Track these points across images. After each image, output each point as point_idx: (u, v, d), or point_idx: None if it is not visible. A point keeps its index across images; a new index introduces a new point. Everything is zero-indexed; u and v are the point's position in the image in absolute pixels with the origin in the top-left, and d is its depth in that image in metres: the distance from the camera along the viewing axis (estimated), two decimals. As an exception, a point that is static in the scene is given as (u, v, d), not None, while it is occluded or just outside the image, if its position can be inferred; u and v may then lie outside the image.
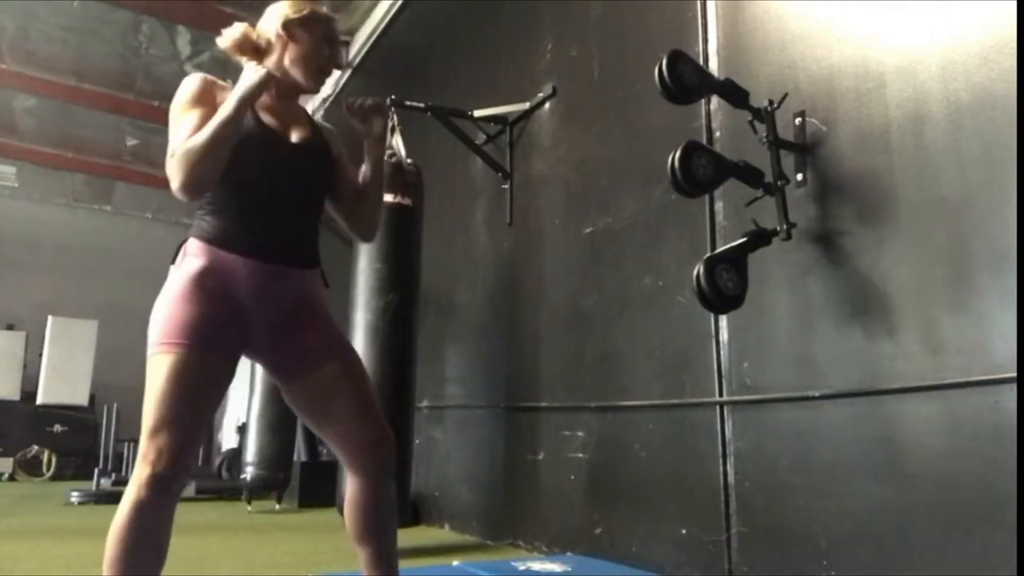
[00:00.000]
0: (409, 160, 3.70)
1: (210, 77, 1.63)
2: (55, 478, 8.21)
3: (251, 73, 1.53)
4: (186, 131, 1.47)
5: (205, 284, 1.48)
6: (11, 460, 8.26)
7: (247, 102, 1.50)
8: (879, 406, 1.91)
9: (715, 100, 2.54)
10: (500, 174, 3.91)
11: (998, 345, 1.66)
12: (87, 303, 10.16)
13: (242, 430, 6.32)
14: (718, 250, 2.12)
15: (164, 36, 6.76)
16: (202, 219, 1.56)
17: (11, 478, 8.17)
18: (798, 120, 2.22)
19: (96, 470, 6.32)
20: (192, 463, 1.44)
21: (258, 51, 1.67)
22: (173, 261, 1.54)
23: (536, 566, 2.62)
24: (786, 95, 2.20)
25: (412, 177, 3.69)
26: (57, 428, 8.80)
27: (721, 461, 2.36)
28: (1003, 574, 1.58)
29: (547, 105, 3.63)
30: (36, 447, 8.43)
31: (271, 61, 1.66)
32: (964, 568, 1.68)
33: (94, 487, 5.95)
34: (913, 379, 1.83)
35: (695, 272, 1.93)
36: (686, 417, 2.54)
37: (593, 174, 3.22)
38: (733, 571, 2.27)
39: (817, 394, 2.07)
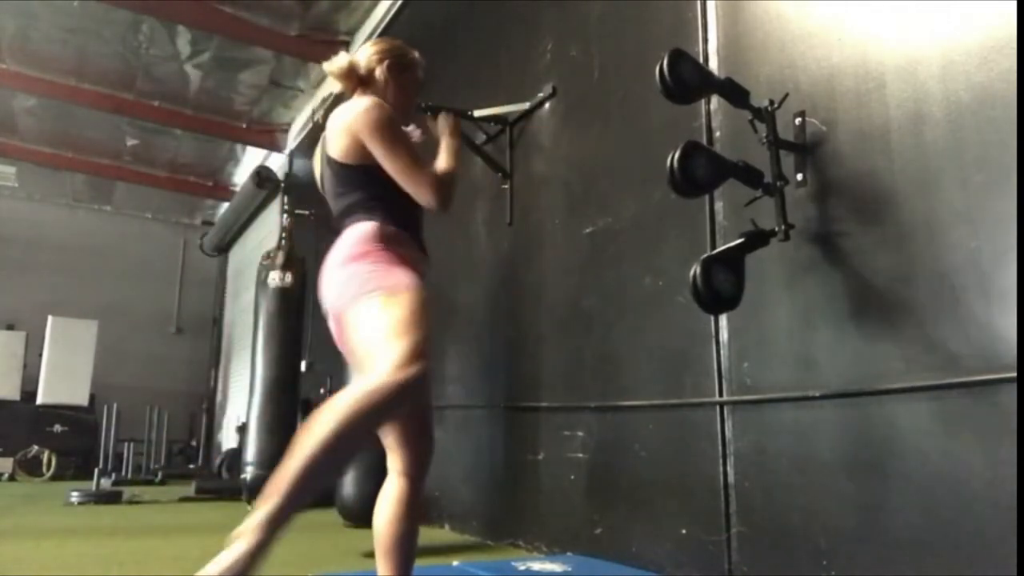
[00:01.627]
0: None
1: (389, 109, 1.83)
2: (55, 478, 8.20)
3: (451, 121, 2.08)
4: (413, 154, 1.78)
5: (408, 260, 1.77)
6: (11, 460, 8.26)
7: (460, 140, 2.02)
8: (879, 406, 1.91)
9: (715, 100, 2.54)
10: (500, 174, 3.91)
11: (998, 345, 1.66)
12: (87, 303, 10.16)
13: (242, 430, 6.32)
14: (715, 251, 2.12)
15: (164, 36, 6.76)
16: (384, 212, 1.79)
17: (11, 478, 8.17)
18: (798, 120, 2.22)
19: (96, 470, 6.32)
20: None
21: (360, 82, 1.92)
22: (379, 239, 1.74)
23: (536, 566, 2.62)
24: (786, 95, 2.20)
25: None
26: (57, 428, 8.81)
27: (721, 461, 2.36)
28: (1003, 574, 1.58)
29: (547, 105, 3.63)
30: (36, 447, 8.43)
31: (371, 94, 1.89)
32: (964, 568, 1.68)
33: (94, 487, 5.95)
34: (913, 379, 1.83)
35: (691, 273, 1.93)
36: (686, 417, 2.54)
37: (593, 174, 3.22)
38: (733, 571, 2.27)
39: (817, 394, 2.07)
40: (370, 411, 1.47)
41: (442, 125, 2.06)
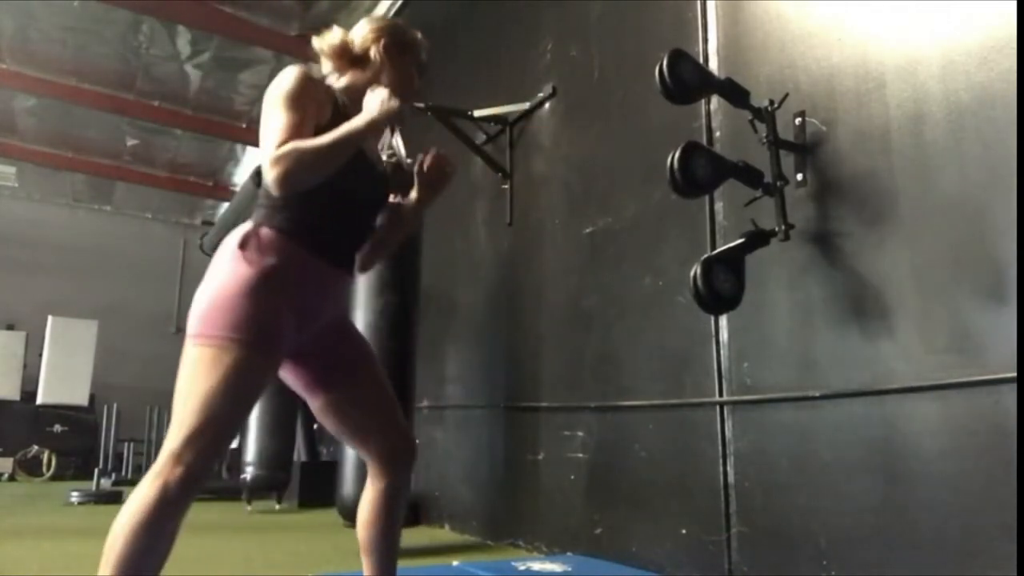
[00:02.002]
0: (409, 160, 3.69)
1: (309, 72, 1.56)
2: (55, 478, 8.21)
3: (383, 102, 1.50)
4: (290, 125, 1.41)
5: (277, 282, 1.43)
6: (11, 460, 8.26)
7: (376, 129, 1.50)
8: (879, 406, 1.91)
9: (715, 100, 2.54)
10: (500, 174, 3.91)
11: (998, 345, 1.66)
12: (87, 303, 10.16)
13: (242, 430, 6.32)
14: (715, 251, 2.12)
15: (164, 36, 6.76)
16: (277, 211, 1.50)
17: (11, 478, 8.17)
18: (798, 120, 2.22)
19: (96, 470, 6.32)
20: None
21: (353, 61, 1.68)
22: (242, 246, 1.46)
23: (536, 566, 2.62)
24: (786, 95, 2.20)
25: (412, 177, 3.68)
26: (57, 428, 8.81)
27: (721, 461, 2.36)
28: (1003, 574, 1.58)
29: (547, 105, 3.63)
30: (36, 447, 8.43)
31: (364, 76, 1.67)
32: (964, 568, 1.67)
33: (94, 487, 5.95)
34: (913, 379, 1.83)
35: (692, 273, 1.93)
36: (686, 417, 2.54)
37: (593, 174, 3.22)
38: (733, 571, 2.27)
39: (817, 394, 2.07)
40: (138, 538, 1.30)
41: (371, 96, 1.54)
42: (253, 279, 1.40)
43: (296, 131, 1.41)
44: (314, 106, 1.50)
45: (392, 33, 1.71)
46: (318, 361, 1.60)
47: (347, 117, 1.51)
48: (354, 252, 1.64)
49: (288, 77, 1.50)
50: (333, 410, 1.63)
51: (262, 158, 1.40)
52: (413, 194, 1.80)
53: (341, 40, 1.67)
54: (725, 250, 2.05)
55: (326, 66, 1.70)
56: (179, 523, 1.36)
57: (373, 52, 1.67)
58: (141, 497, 1.32)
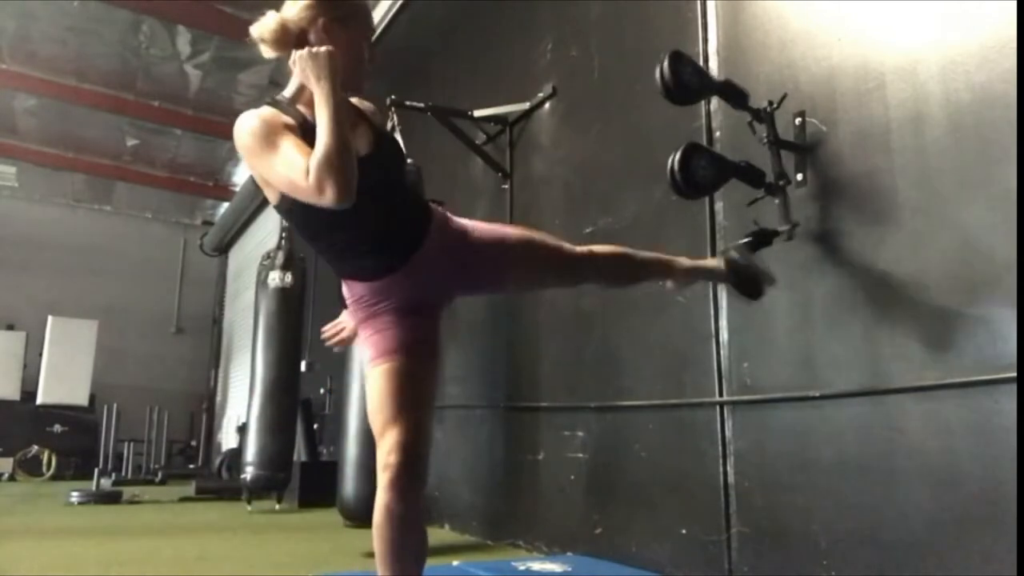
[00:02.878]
0: (409, 160, 3.70)
1: (255, 112, 1.49)
2: (55, 478, 8.21)
3: (320, 59, 1.40)
4: (295, 153, 1.37)
5: (371, 313, 1.61)
6: (11, 460, 8.26)
7: (335, 84, 1.40)
8: (879, 406, 1.91)
9: (715, 100, 2.54)
10: (500, 174, 3.91)
11: (998, 345, 1.66)
12: (87, 303, 10.16)
13: (242, 430, 6.32)
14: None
15: (164, 36, 6.76)
16: (330, 262, 1.67)
17: (11, 478, 8.17)
18: (798, 120, 2.22)
19: (96, 470, 6.32)
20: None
21: (297, 44, 1.51)
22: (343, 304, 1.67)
23: (536, 566, 2.62)
24: (786, 95, 2.20)
25: (412, 177, 3.69)
26: (57, 428, 8.81)
27: (721, 461, 2.36)
28: (1003, 574, 1.58)
29: (547, 105, 3.63)
30: (36, 447, 8.43)
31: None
32: (964, 568, 1.68)
33: (94, 487, 5.95)
34: (913, 379, 1.83)
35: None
36: (686, 417, 2.54)
37: (593, 174, 3.22)
38: (733, 571, 2.27)
39: (817, 394, 2.07)
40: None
41: (302, 67, 1.43)
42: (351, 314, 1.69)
43: (302, 150, 1.37)
44: (287, 128, 1.44)
45: (329, 6, 1.53)
46: (478, 274, 1.78)
47: (312, 121, 1.44)
48: (407, 236, 1.61)
49: (245, 126, 1.45)
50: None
51: (297, 195, 1.38)
52: None
53: (278, 23, 1.52)
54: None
55: (267, 54, 1.56)
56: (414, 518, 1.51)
57: (312, 35, 1.51)
58: (378, 503, 1.49)
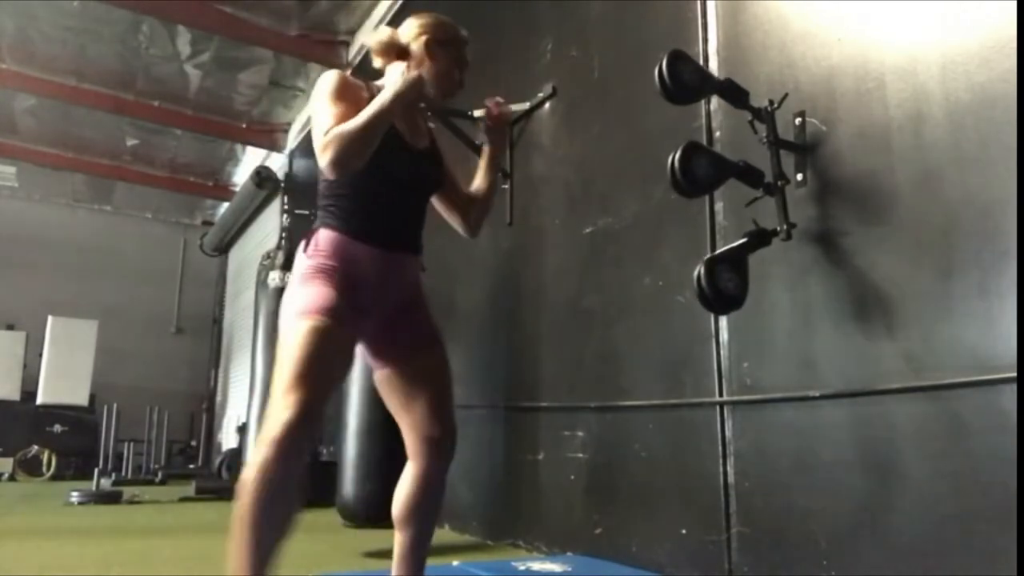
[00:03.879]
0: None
1: (347, 75, 1.72)
2: (55, 478, 8.20)
3: (406, 76, 1.65)
4: (335, 118, 1.57)
5: (334, 272, 1.63)
6: (11, 460, 8.26)
7: (402, 99, 1.62)
8: (879, 406, 1.91)
9: (715, 100, 2.54)
10: (500, 174, 3.91)
11: (998, 345, 1.66)
12: (87, 303, 10.16)
13: (242, 430, 6.32)
14: (719, 250, 2.12)
15: (164, 36, 6.76)
16: (330, 211, 1.71)
17: (11, 478, 8.17)
18: (798, 120, 2.22)
19: (96, 470, 6.32)
20: (319, 427, 1.60)
21: (400, 56, 1.81)
22: (304, 249, 1.68)
23: (536, 566, 2.62)
24: (786, 95, 2.20)
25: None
26: (57, 428, 8.80)
27: (721, 461, 2.36)
28: (1003, 574, 1.58)
29: (547, 105, 3.63)
30: (36, 447, 8.42)
31: (409, 70, 1.78)
32: (964, 568, 1.67)
33: (94, 487, 5.95)
34: (913, 379, 1.83)
35: (696, 273, 1.93)
36: (686, 417, 2.54)
37: (593, 174, 3.22)
38: (733, 571, 2.27)
39: (817, 394, 2.07)
40: (262, 491, 1.41)
41: (393, 75, 1.73)
42: (313, 271, 1.62)
43: (340, 120, 1.56)
44: (355, 100, 1.64)
45: (435, 30, 1.85)
46: (382, 336, 1.76)
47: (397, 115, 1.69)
48: (410, 233, 1.81)
49: (327, 79, 1.67)
50: (385, 384, 1.79)
51: (316, 148, 1.57)
52: (485, 148, 2.01)
53: (388, 37, 1.81)
54: (728, 249, 2.05)
55: (376, 63, 1.85)
56: (293, 477, 1.46)
57: (415, 48, 1.81)
58: (252, 463, 1.44)
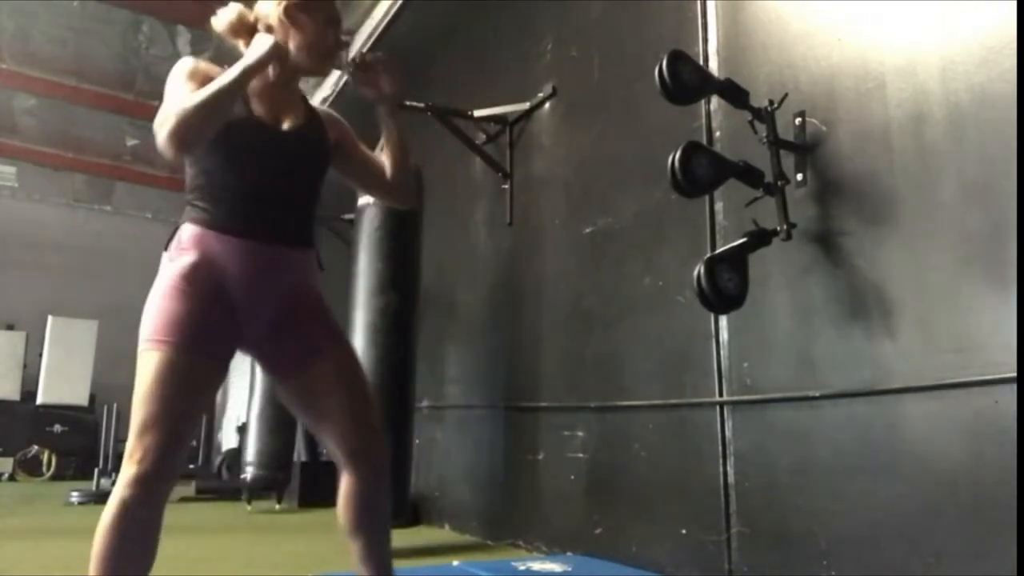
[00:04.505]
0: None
1: (205, 62, 1.56)
2: (55, 478, 8.20)
3: (260, 42, 1.49)
4: (176, 98, 1.42)
5: (198, 277, 1.44)
6: (11, 460, 8.25)
7: (253, 71, 1.46)
8: (879, 406, 1.91)
9: (715, 100, 2.54)
10: (500, 174, 3.91)
11: (998, 345, 1.66)
12: (87, 303, 10.14)
13: (242, 430, 6.31)
14: (718, 250, 2.12)
15: (164, 36, 6.76)
16: (195, 204, 1.52)
17: (11, 478, 8.17)
18: (798, 120, 2.22)
19: (96, 470, 6.32)
20: (179, 464, 1.45)
21: (254, 33, 1.59)
22: (166, 248, 1.50)
23: (536, 566, 2.62)
24: (786, 95, 2.20)
25: (412, 177, 3.68)
26: (57, 428, 8.79)
27: (721, 461, 2.36)
28: (1003, 574, 1.58)
29: (547, 105, 3.63)
30: (36, 447, 8.42)
31: None
32: (964, 568, 1.68)
33: (94, 487, 5.95)
34: (913, 379, 1.83)
35: (695, 272, 1.93)
36: (686, 417, 2.54)
37: (593, 174, 3.22)
38: (733, 571, 2.27)
39: (817, 394, 2.07)
40: (107, 539, 1.34)
41: (249, 43, 1.55)
42: (174, 280, 1.43)
43: (182, 98, 1.41)
44: (206, 82, 1.46)
45: None
46: (278, 347, 1.56)
47: (259, 96, 1.55)
48: (291, 222, 1.58)
49: (179, 65, 1.53)
50: (289, 398, 1.61)
51: (155, 127, 1.40)
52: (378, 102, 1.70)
53: (238, 15, 1.60)
54: (727, 249, 2.05)
55: (230, 43, 1.64)
56: (149, 523, 1.40)
57: (274, 19, 1.57)
58: (110, 499, 1.37)
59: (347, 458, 1.58)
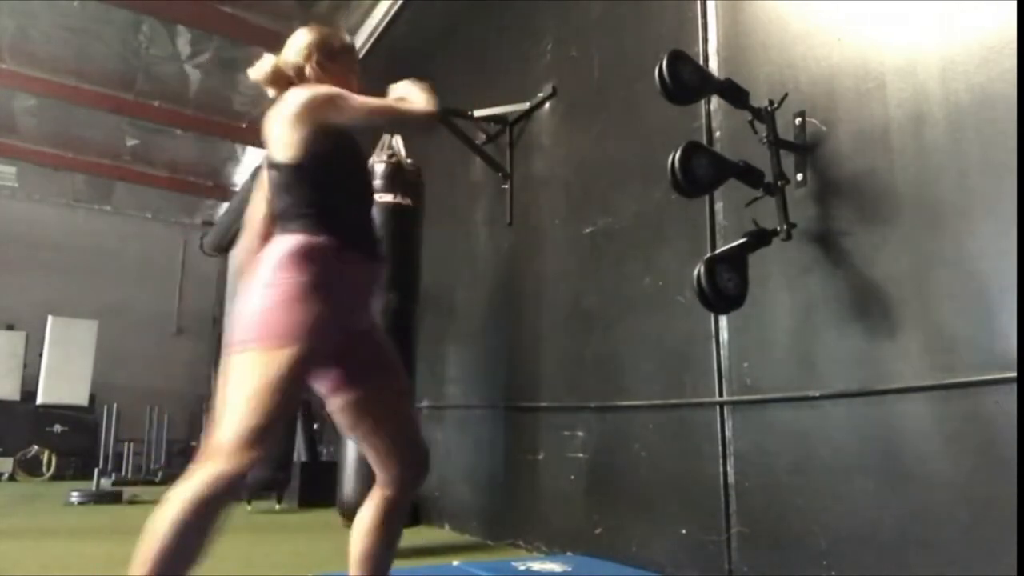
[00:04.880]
0: (409, 160, 3.70)
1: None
2: (55, 478, 8.20)
3: (429, 99, 1.74)
4: (363, 99, 1.63)
5: (327, 289, 1.50)
6: (11, 460, 8.25)
7: (429, 119, 1.74)
8: (879, 406, 1.91)
9: (715, 100, 2.54)
10: (500, 174, 3.91)
11: (998, 345, 1.66)
12: (87, 303, 10.14)
13: (242, 430, 6.30)
14: (718, 250, 2.12)
15: (164, 36, 6.76)
16: (319, 216, 1.58)
17: (11, 478, 8.17)
18: (798, 120, 2.22)
19: (96, 470, 6.31)
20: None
21: (291, 82, 1.75)
22: (293, 256, 1.51)
23: (536, 566, 2.62)
24: (786, 95, 2.20)
25: (412, 177, 3.69)
26: (57, 428, 8.79)
27: (721, 461, 2.36)
28: (1003, 574, 1.58)
29: (547, 105, 3.63)
30: (36, 447, 8.42)
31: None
32: (964, 568, 1.68)
33: (94, 487, 5.94)
34: (913, 379, 1.83)
35: (695, 272, 1.93)
36: (686, 417, 2.54)
37: (593, 174, 3.22)
38: (733, 571, 2.27)
39: (817, 394, 2.07)
40: (194, 514, 1.35)
41: (407, 92, 1.80)
42: (308, 283, 1.48)
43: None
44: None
45: (321, 45, 1.80)
46: (344, 361, 1.63)
47: None
48: (378, 240, 1.75)
49: (322, 87, 1.66)
50: (349, 411, 1.66)
51: (403, 109, 1.69)
52: None
53: (273, 67, 1.76)
54: (727, 249, 2.05)
55: (270, 92, 1.77)
56: (221, 521, 1.41)
57: (308, 70, 1.77)
58: (194, 489, 1.36)
59: (399, 470, 1.67)
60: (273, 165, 1.63)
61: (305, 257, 1.51)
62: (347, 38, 1.89)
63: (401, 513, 1.71)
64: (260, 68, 1.76)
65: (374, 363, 1.67)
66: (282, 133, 1.59)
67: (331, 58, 1.79)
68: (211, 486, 1.36)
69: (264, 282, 1.49)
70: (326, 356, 1.55)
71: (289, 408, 1.49)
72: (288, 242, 1.54)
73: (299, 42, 1.80)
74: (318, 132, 1.58)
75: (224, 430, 1.41)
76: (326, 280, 1.50)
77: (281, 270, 1.49)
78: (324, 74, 1.76)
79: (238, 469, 1.39)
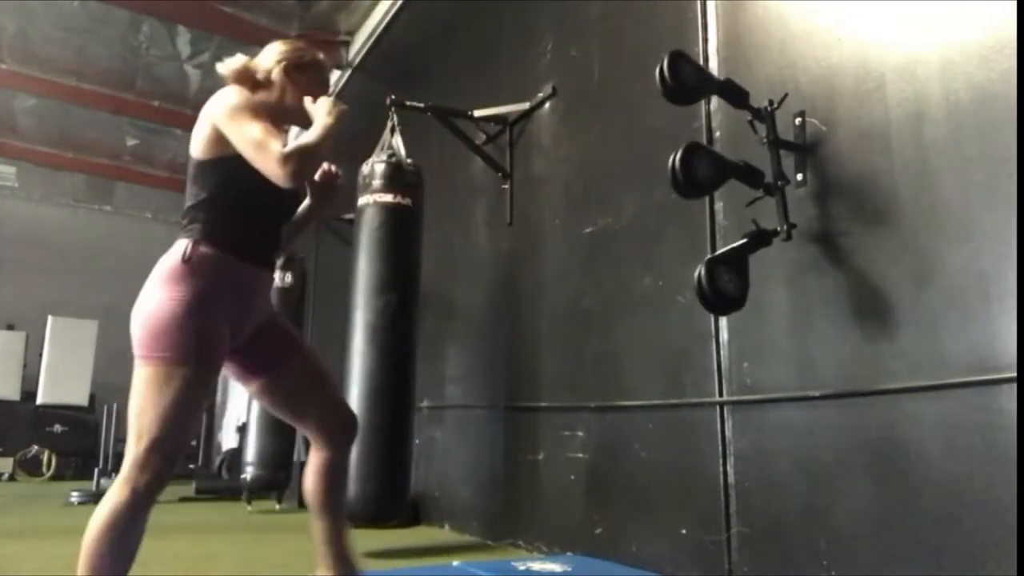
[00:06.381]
0: (409, 160, 3.70)
1: (246, 91, 1.77)
2: (55, 478, 8.20)
3: (334, 109, 1.71)
4: (265, 131, 1.60)
5: (214, 298, 1.61)
6: (11, 460, 8.25)
7: (335, 131, 1.69)
8: (879, 406, 1.91)
9: (715, 100, 2.54)
10: (500, 174, 3.91)
11: (998, 345, 1.66)
12: (87, 303, 10.14)
13: (242, 430, 6.31)
14: (719, 251, 2.12)
15: (164, 36, 6.76)
16: (211, 223, 1.69)
17: (11, 478, 8.17)
18: (798, 120, 2.22)
19: (96, 470, 6.32)
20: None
21: (257, 84, 1.81)
22: (177, 267, 1.62)
23: (536, 566, 2.62)
24: (786, 95, 2.20)
25: (412, 177, 3.68)
26: (57, 428, 8.79)
27: (721, 461, 2.36)
28: (1003, 574, 1.58)
29: (547, 105, 3.63)
30: (36, 447, 8.42)
31: (271, 96, 1.82)
32: (963, 568, 1.68)
33: (94, 487, 5.95)
34: (913, 379, 1.83)
35: (696, 274, 1.93)
36: (686, 417, 2.54)
37: (593, 174, 3.22)
38: (733, 571, 2.27)
39: (817, 394, 2.07)
40: (109, 540, 1.48)
41: (318, 107, 1.76)
42: (193, 299, 1.58)
43: (271, 135, 1.61)
44: (267, 115, 1.69)
45: (292, 55, 1.86)
46: (249, 353, 1.78)
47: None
48: (274, 252, 1.84)
49: (234, 99, 1.68)
50: (267, 393, 1.84)
51: (260, 156, 1.59)
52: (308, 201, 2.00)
53: (243, 65, 1.82)
54: (728, 250, 2.05)
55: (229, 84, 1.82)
56: (145, 524, 1.53)
57: (275, 74, 1.82)
58: (112, 502, 1.49)
59: (328, 431, 1.85)
60: (191, 159, 1.74)
61: (191, 273, 1.60)
62: (320, 55, 1.94)
63: (344, 466, 1.90)
64: (229, 64, 1.82)
65: (279, 347, 1.82)
66: (198, 127, 1.71)
67: (300, 69, 1.84)
68: (124, 504, 1.49)
69: (155, 296, 1.59)
70: (222, 361, 1.66)
71: (194, 417, 1.60)
72: (177, 254, 1.63)
73: (273, 49, 1.87)
74: (223, 135, 1.66)
75: (132, 444, 1.54)
76: (212, 293, 1.60)
77: (170, 284, 1.59)
78: (290, 83, 1.82)
79: (149, 481, 1.49)
